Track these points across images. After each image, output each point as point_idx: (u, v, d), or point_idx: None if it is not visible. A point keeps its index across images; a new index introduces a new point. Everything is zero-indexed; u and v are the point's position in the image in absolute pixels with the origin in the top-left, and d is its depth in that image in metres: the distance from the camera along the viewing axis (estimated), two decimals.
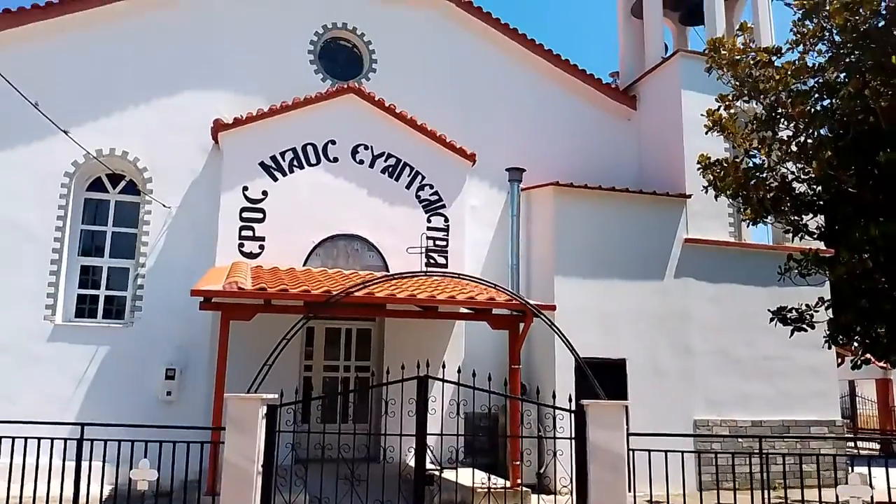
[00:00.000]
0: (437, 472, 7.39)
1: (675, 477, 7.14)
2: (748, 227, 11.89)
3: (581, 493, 6.26)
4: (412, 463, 6.65)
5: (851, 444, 17.26)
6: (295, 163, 11.22)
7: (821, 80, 8.89)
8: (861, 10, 8.05)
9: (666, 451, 6.52)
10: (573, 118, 13.88)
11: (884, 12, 8.19)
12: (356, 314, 10.80)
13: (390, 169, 11.65)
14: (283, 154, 11.16)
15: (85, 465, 6.81)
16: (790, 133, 8.93)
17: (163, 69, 11.70)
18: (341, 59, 12.89)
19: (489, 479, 8.22)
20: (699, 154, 9.99)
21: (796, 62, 8.88)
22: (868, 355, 9.02)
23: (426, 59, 13.08)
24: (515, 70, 13.68)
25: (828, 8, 8.38)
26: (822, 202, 9.27)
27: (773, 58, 8.95)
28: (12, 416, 8.61)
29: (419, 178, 11.75)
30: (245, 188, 10.91)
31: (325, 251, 11.19)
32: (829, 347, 9.50)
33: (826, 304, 9.40)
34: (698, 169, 10.01)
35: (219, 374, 8.37)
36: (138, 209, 11.51)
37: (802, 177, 9.22)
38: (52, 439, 6.87)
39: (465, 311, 10.27)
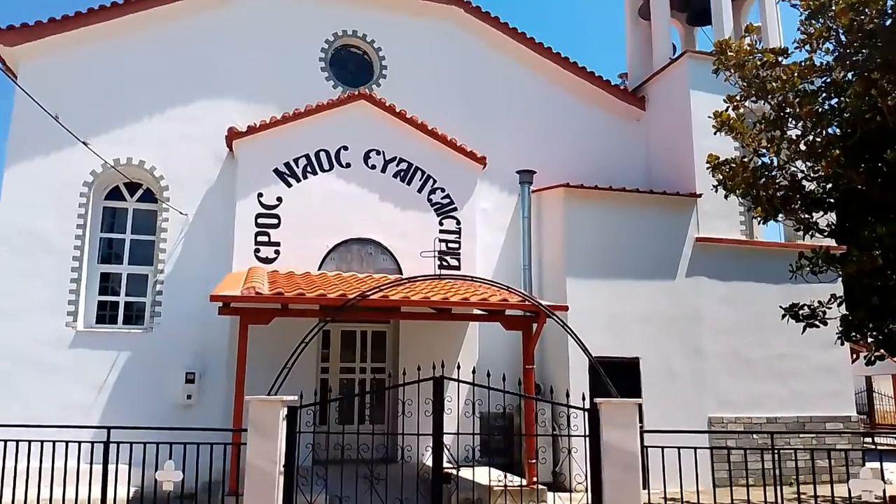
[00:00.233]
0: (453, 471, 7.51)
1: (691, 474, 7.23)
2: (759, 225, 11.95)
3: (596, 491, 6.37)
4: (429, 462, 6.78)
5: (868, 439, 17.23)
6: (308, 169, 11.39)
7: (828, 80, 8.97)
8: (867, 10, 8.13)
9: (679, 448, 6.61)
10: (582, 120, 13.99)
11: (889, 11, 8.27)
12: (371, 317, 10.94)
13: (402, 173, 11.80)
14: (296, 160, 11.33)
15: (111, 467, 6.99)
16: (798, 132, 9.02)
17: (177, 80, 11.92)
18: (352, 66, 13.07)
19: (505, 477, 8.34)
20: (708, 154, 10.10)
21: (804, 62, 8.97)
22: (881, 351, 9.07)
23: (435, 64, 13.23)
24: (524, 73, 13.81)
25: (833, 8, 8.48)
26: (831, 200, 9.34)
27: (780, 58, 9.04)
28: (36, 421, 8.84)
29: (430, 182, 11.88)
30: (260, 195, 11.09)
31: (340, 255, 11.35)
32: (842, 344, 9.56)
33: (838, 301, 9.47)
34: (707, 169, 10.12)
35: (238, 378, 8.53)
36: (155, 217, 11.73)
37: (812, 175, 9.30)
38: (80, 443, 7.06)
39: (479, 312, 10.40)
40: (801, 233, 9.64)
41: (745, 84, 9.21)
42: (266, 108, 11.93)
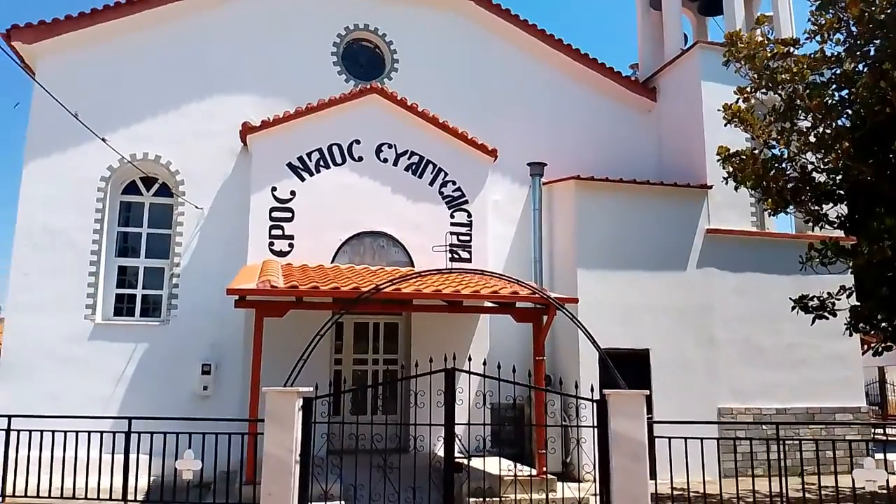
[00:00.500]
0: (465, 461, 7.66)
1: (699, 465, 7.34)
2: (769, 216, 11.97)
3: (604, 480, 6.49)
4: (441, 452, 6.92)
5: (880, 430, 17.20)
6: (321, 163, 11.52)
7: (838, 71, 8.98)
8: (877, 1, 8.13)
9: (685, 438, 6.72)
10: (593, 112, 14.03)
11: None
12: (384, 309, 11.08)
13: (413, 167, 11.90)
14: (309, 154, 11.46)
15: (131, 456, 7.19)
16: (809, 124, 9.04)
17: (192, 75, 12.09)
18: (364, 60, 13.17)
19: (515, 466, 8.47)
20: (718, 146, 10.13)
21: (814, 54, 8.97)
22: (890, 342, 9.11)
23: (446, 58, 13.31)
24: (535, 65, 13.85)
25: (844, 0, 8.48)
26: (841, 192, 9.36)
27: (791, 49, 9.05)
28: (57, 412, 9.08)
29: (442, 174, 11.98)
30: (274, 188, 11.24)
31: (352, 248, 11.49)
32: (850, 335, 9.60)
33: (847, 293, 9.51)
34: (718, 161, 10.15)
35: (254, 369, 8.70)
36: (171, 211, 11.92)
37: (822, 167, 9.32)
38: (102, 433, 7.25)
39: (490, 304, 10.51)
40: (810, 224, 9.67)
41: (755, 75, 9.23)
42: (279, 102, 12.06)
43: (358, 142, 11.72)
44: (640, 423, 6.34)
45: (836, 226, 9.33)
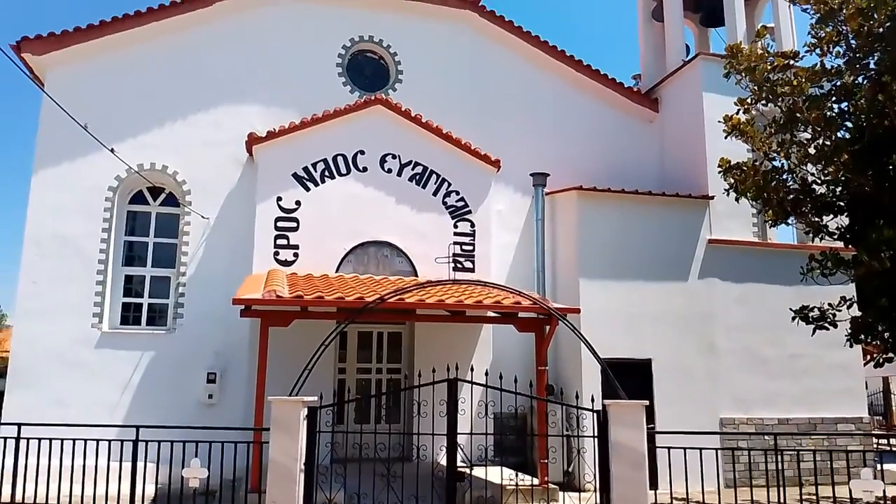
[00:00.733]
0: (467, 470, 7.74)
1: (702, 474, 7.39)
2: (770, 227, 12.04)
3: (604, 490, 6.57)
4: (444, 461, 7.00)
5: (884, 441, 17.20)
6: (326, 173, 11.64)
7: (838, 84, 9.06)
8: (875, 16, 8.22)
9: (683, 449, 6.78)
10: (596, 122, 14.14)
11: None
12: (388, 319, 11.18)
13: (417, 177, 12.02)
14: (314, 165, 11.60)
15: (139, 464, 7.28)
16: (809, 136, 9.11)
17: (199, 86, 12.24)
18: (368, 71, 13.31)
19: (516, 475, 8.55)
20: (720, 157, 10.20)
21: (816, 65, 9.06)
22: (890, 353, 9.15)
23: (450, 69, 13.44)
24: (538, 76, 13.98)
25: (843, 13, 8.57)
26: (841, 203, 9.43)
27: (791, 62, 9.13)
28: (64, 420, 9.19)
29: (445, 185, 12.09)
30: (279, 198, 11.36)
31: (357, 257, 11.60)
32: (851, 346, 9.64)
33: (848, 303, 9.55)
34: (719, 172, 10.22)
35: (259, 378, 8.80)
36: (178, 220, 12.05)
37: (822, 178, 9.39)
38: (110, 441, 7.34)
39: (492, 314, 10.60)
40: (810, 235, 9.74)
41: (755, 87, 9.31)
42: (285, 113, 12.20)
43: (363, 152, 11.84)
44: (640, 432, 6.41)
45: (836, 237, 9.38)
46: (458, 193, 12.12)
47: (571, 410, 9.38)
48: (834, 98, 8.88)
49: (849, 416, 12.63)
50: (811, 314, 9.50)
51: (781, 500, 7.14)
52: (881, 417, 23.65)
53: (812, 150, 9.12)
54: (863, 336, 9.16)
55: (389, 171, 11.93)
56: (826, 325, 9.37)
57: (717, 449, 7.60)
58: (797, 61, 9.39)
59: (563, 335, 11.30)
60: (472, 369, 7.68)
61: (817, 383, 12.59)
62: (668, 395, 11.67)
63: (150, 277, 12.01)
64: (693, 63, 13.68)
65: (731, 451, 8.67)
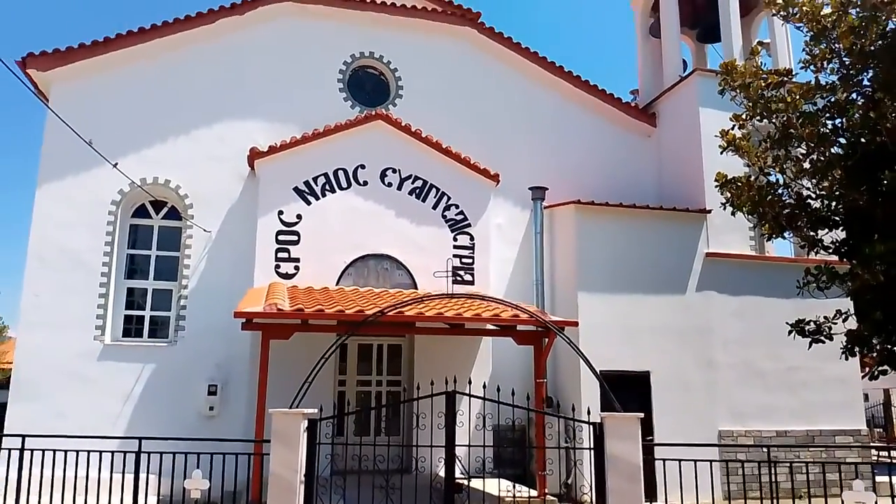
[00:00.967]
0: (465, 482, 7.81)
1: (701, 487, 7.44)
2: (767, 241, 12.14)
3: (601, 502, 6.63)
4: (442, 473, 7.08)
5: (885, 453, 17.21)
6: (327, 187, 11.78)
7: (832, 100, 9.18)
8: (866, 34, 8.35)
9: (678, 461, 6.85)
10: (594, 137, 14.29)
11: (889, 33, 8.48)
12: (388, 331, 11.27)
13: (417, 191, 12.16)
14: (315, 179, 11.73)
15: (139, 476, 7.36)
16: (803, 151, 9.23)
17: (201, 102, 12.39)
18: (369, 87, 13.48)
19: (514, 487, 8.61)
20: (716, 172, 10.31)
21: (810, 82, 9.19)
22: (885, 366, 9.22)
23: (450, 84, 13.61)
24: (537, 91, 14.14)
25: (836, 31, 8.71)
26: (836, 218, 9.52)
27: (785, 79, 9.26)
28: (66, 431, 9.25)
29: (445, 198, 12.23)
30: (280, 212, 11.50)
31: (357, 270, 11.71)
32: (847, 359, 9.71)
33: (844, 317, 9.63)
34: (715, 186, 10.34)
35: (260, 391, 8.89)
36: (180, 233, 12.16)
37: (817, 193, 9.49)
38: (113, 453, 7.42)
39: (491, 327, 10.69)
40: (806, 249, 9.83)
41: (750, 104, 9.43)
42: (287, 127, 12.35)
43: (363, 166, 11.99)
44: (636, 445, 6.49)
45: (830, 251, 9.48)
46: (457, 207, 12.25)
47: (570, 423, 9.46)
48: (827, 114, 9.00)
49: (847, 428, 12.68)
50: (807, 327, 9.56)
51: None
52: (881, 430, 23.64)
53: (807, 165, 9.23)
54: (858, 349, 9.22)
55: (389, 184, 12.06)
56: (822, 338, 9.44)
57: (710, 461, 7.66)
58: (790, 79, 9.53)
59: (562, 348, 11.38)
60: (469, 382, 7.77)
61: (815, 396, 12.66)
62: (667, 407, 11.74)
63: (151, 290, 12.12)
64: (690, 79, 13.85)
65: (725, 462, 8.71)
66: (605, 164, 14.11)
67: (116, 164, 11.07)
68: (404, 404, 11.11)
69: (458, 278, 11.86)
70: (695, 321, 12.41)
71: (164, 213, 12.36)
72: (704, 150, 12.92)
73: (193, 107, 12.36)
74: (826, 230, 9.73)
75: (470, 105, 13.60)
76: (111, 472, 7.37)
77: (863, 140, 8.44)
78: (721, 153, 9.83)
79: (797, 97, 8.74)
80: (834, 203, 9.38)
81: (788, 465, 8.95)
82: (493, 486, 8.25)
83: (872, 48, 8.58)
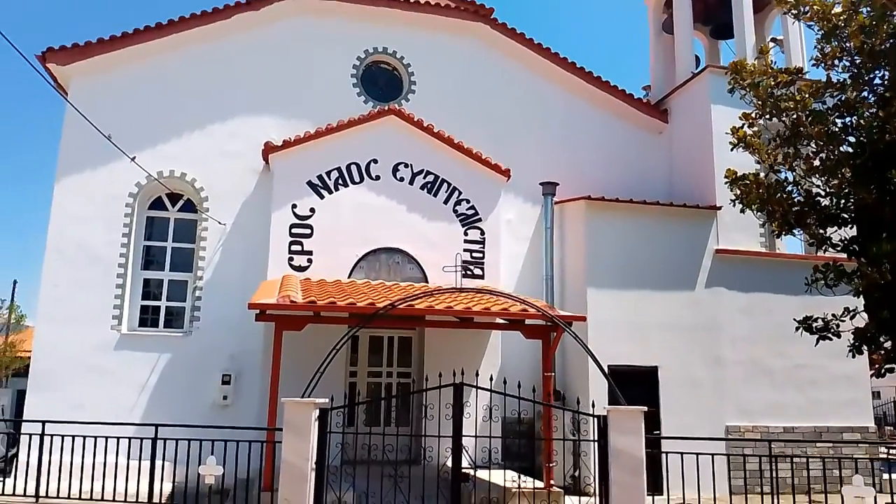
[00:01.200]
0: (471, 472, 7.95)
1: (707, 482, 7.55)
2: (776, 238, 12.20)
3: (605, 493, 6.76)
4: (450, 463, 7.23)
5: (893, 451, 17.19)
6: (340, 181, 11.93)
7: (842, 98, 9.21)
8: (876, 33, 8.38)
9: (681, 454, 6.96)
10: (606, 133, 14.35)
11: None
12: (398, 324, 11.42)
13: (429, 185, 12.28)
14: (328, 173, 11.88)
15: (156, 462, 7.57)
16: (813, 149, 9.27)
17: (218, 96, 12.59)
18: (382, 82, 13.61)
19: (519, 477, 8.76)
20: (726, 169, 10.37)
21: (819, 80, 9.22)
22: (892, 364, 9.26)
23: (462, 79, 13.71)
24: (548, 87, 14.21)
25: (847, 30, 8.73)
26: (845, 216, 9.56)
27: (794, 77, 9.29)
28: (83, 419, 9.49)
29: (456, 193, 12.34)
30: (294, 206, 11.66)
31: (369, 264, 11.86)
32: (853, 356, 9.76)
33: (851, 314, 9.67)
34: (725, 183, 10.39)
35: (273, 381, 9.06)
36: (195, 226, 12.37)
37: (827, 191, 9.53)
38: (130, 439, 7.62)
39: (500, 321, 10.82)
40: (814, 247, 9.88)
41: (759, 103, 9.47)
42: (301, 122, 12.52)
43: (375, 161, 12.12)
44: (639, 438, 6.61)
45: (839, 249, 9.52)
46: (468, 202, 12.36)
47: (576, 416, 9.58)
48: (837, 113, 9.03)
49: (854, 425, 12.71)
50: (814, 325, 9.62)
51: None
52: (892, 427, 23.57)
53: (816, 163, 9.27)
54: (865, 347, 9.27)
55: (401, 179, 12.19)
56: (829, 335, 9.49)
57: (712, 454, 7.75)
58: (801, 76, 9.55)
59: (571, 342, 11.47)
60: (476, 374, 7.90)
61: (823, 393, 12.70)
62: (674, 403, 11.84)
63: (167, 281, 12.33)
64: (701, 76, 13.87)
65: (725, 456, 8.80)
66: (616, 159, 14.17)
67: (134, 157, 11.29)
68: (413, 395, 11.28)
69: (469, 272, 11.99)
70: (703, 317, 12.48)
71: (180, 206, 12.56)
72: (715, 146, 12.95)
73: (209, 101, 12.54)
74: (835, 228, 9.77)
75: (482, 100, 13.70)
76: (128, 458, 7.59)
77: (872, 139, 8.47)
78: (731, 150, 9.89)
79: (806, 96, 8.78)
80: (843, 201, 9.42)
81: (789, 460, 9.00)
82: (499, 476, 8.40)
83: (883, 47, 8.60)
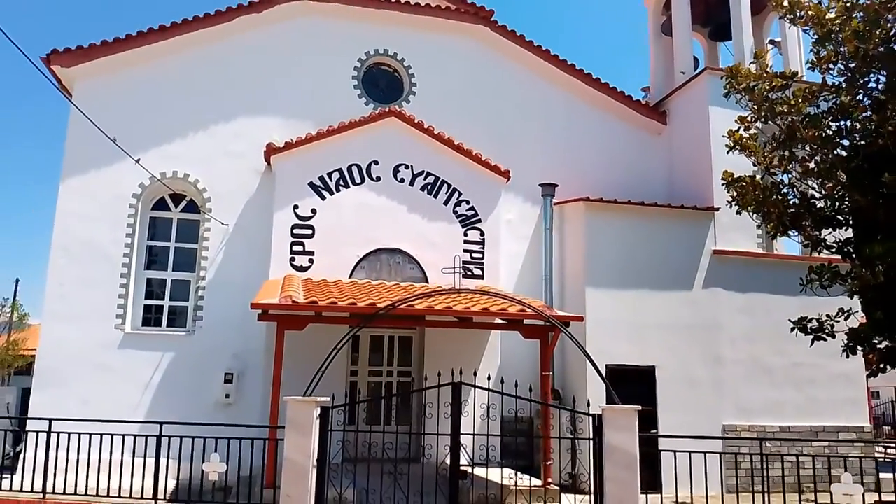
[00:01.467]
0: (469, 469, 8.09)
1: (704, 479, 7.66)
2: (772, 239, 12.30)
3: (600, 490, 6.90)
4: (449, 461, 7.36)
5: (884, 449, 17.30)
6: (341, 182, 12.06)
7: (837, 102, 9.33)
8: (869, 39, 8.49)
9: (674, 451, 7.09)
10: (605, 134, 14.47)
11: (893, 37, 8.61)
12: (399, 324, 11.55)
13: (429, 186, 12.41)
14: (330, 174, 12.02)
15: (157, 459, 7.71)
16: (807, 152, 9.39)
17: (219, 98, 12.73)
18: (383, 84, 13.74)
19: (517, 475, 8.89)
20: (723, 171, 10.49)
21: (812, 85, 9.35)
22: (885, 364, 9.39)
23: (462, 81, 13.84)
24: (548, 89, 14.34)
25: (841, 35, 8.85)
26: (840, 217, 9.68)
27: (789, 82, 9.41)
28: (87, 416, 9.63)
29: (456, 194, 12.47)
30: (296, 206, 11.79)
31: (369, 264, 12.00)
32: (847, 356, 9.89)
33: (846, 315, 9.80)
34: (722, 185, 10.51)
35: (275, 379, 9.19)
36: (198, 226, 12.51)
37: (822, 193, 9.65)
38: (135, 437, 7.77)
39: (499, 321, 10.95)
40: (808, 249, 10.01)
41: (755, 106, 9.60)
42: (302, 124, 12.65)
43: (376, 162, 12.25)
44: (632, 435, 6.75)
45: (834, 250, 9.64)
46: (468, 203, 12.49)
47: (574, 414, 9.70)
48: (831, 117, 9.15)
49: (850, 424, 12.84)
50: (809, 325, 9.75)
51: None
52: (889, 427, 23.69)
53: (812, 166, 9.39)
54: (859, 347, 9.39)
55: (402, 180, 12.32)
56: (824, 335, 9.62)
57: (704, 452, 7.87)
58: (796, 80, 9.67)
59: (569, 342, 11.59)
60: (475, 374, 8.03)
61: (820, 393, 12.83)
62: (672, 402, 11.96)
63: (170, 281, 12.47)
64: (700, 77, 13.99)
65: (721, 455, 8.93)
66: (615, 161, 14.29)
67: (139, 160, 11.43)
68: (413, 394, 11.41)
69: (469, 273, 12.11)
70: (702, 317, 12.60)
71: (183, 207, 12.70)
72: (713, 148, 13.06)
73: (212, 103, 12.68)
74: (830, 230, 9.89)
75: (482, 102, 13.83)
76: (133, 456, 7.72)
77: (865, 143, 8.60)
78: (728, 153, 10.02)
79: (800, 100, 8.90)
80: (837, 204, 9.54)
81: (780, 458, 9.13)
82: (497, 474, 8.53)
83: (877, 52, 8.71)
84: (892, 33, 8.58)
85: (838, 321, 9.75)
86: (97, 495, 8.02)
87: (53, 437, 7.99)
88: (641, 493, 6.84)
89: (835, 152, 9.06)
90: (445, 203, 12.43)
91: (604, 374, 10.88)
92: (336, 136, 12.15)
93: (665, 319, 12.39)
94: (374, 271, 11.96)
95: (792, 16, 9.33)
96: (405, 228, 12.14)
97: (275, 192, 11.90)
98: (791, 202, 9.84)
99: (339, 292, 10.14)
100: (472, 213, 12.50)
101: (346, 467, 7.83)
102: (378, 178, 12.24)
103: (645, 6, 16.38)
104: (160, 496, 8.01)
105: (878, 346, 9.43)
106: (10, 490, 8.66)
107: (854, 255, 9.34)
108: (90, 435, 7.77)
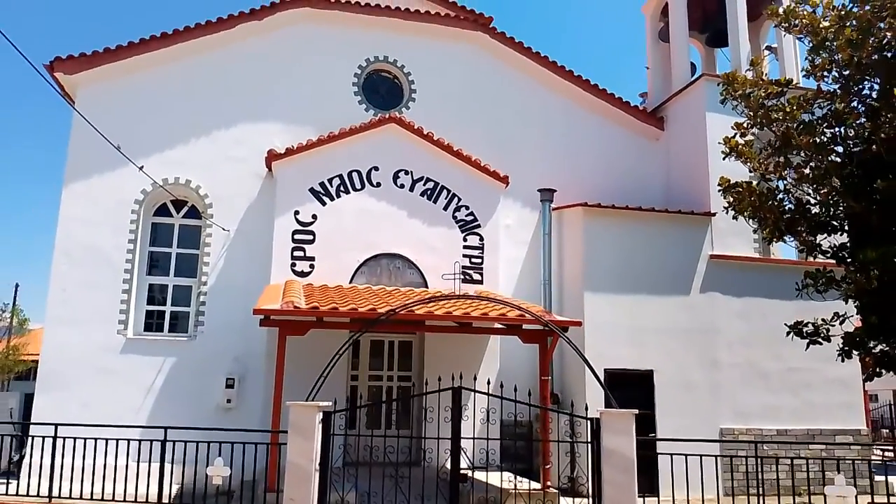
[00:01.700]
0: (470, 473, 8.18)
1: (701, 483, 7.76)
2: (768, 244, 12.44)
3: (599, 493, 7.00)
4: (449, 465, 7.46)
5: (883, 452, 17.40)
6: (342, 188, 12.18)
7: (831, 109, 9.44)
8: (863, 47, 8.61)
9: (671, 455, 7.19)
10: (603, 140, 14.59)
11: (886, 45, 8.73)
12: (399, 329, 11.65)
13: (429, 192, 12.52)
14: (330, 180, 12.13)
15: (159, 464, 7.79)
16: (802, 158, 9.50)
17: (221, 104, 12.84)
18: (383, 90, 13.86)
19: (516, 478, 8.98)
20: (720, 177, 10.61)
21: (807, 92, 9.47)
22: (880, 368, 9.48)
23: (462, 87, 13.96)
24: (547, 95, 14.46)
25: (835, 43, 8.97)
26: (835, 223, 9.80)
27: (785, 89, 9.53)
28: (90, 420, 9.72)
29: (456, 200, 12.59)
30: (296, 212, 11.91)
31: (370, 269, 12.10)
32: (842, 360, 10.00)
33: (841, 319, 9.90)
34: (719, 191, 10.63)
35: (277, 384, 9.28)
36: (200, 232, 12.62)
37: (817, 199, 9.76)
38: (140, 441, 7.86)
39: (499, 326, 11.05)
40: (804, 254, 10.11)
41: (751, 113, 9.71)
42: (304, 130, 12.77)
43: (377, 168, 12.37)
44: (630, 439, 6.85)
45: (829, 255, 9.75)
46: (467, 208, 12.60)
47: (573, 418, 9.81)
48: (826, 124, 9.26)
49: (847, 428, 12.93)
50: (805, 329, 9.85)
51: None
52: (887, 430, 23.77)
53: (807, 172, 9.50)
54: (854, 351, 9.49)
55: (402, 186, 12.43)
56: (819, 340, 9.71)
57: (700, 455, 7.97)
58: (790, 88, 9.78)
59: (568, 347, 11.70)
60: (475, 378, 8.13)
61: (817, 396, 12.92)
62: (670, 406, 12.06)
63: (172, 286, 12.57)
64: (697, 84, 14.11)
65: (717, 458, 9.03)
66: (613, 166, 14.41)
67: (142, 167, 11.53)
68: (413, 399, 11.51)
69: (468, 278, 12.22)
70: (699, 322, 12.70)
71: (185, 212, 12.80)
72: (710, 154, 13.16)
73: (213, 109, 12.79)
74: (825, 235, 10.00)
75: (481, 108, 13.95)
76: (138, 461, 7.81)
77: (859, 149, 8.72)
78: (723, 159, 10.13)
79: (795, 108, 9.01)
80: (832, 209, 9.65)
81: (776, 461, 9.23)
82: (496, 477, 8.63)
83: (872, 59, 8.83)
84: (884, 42, 8.70)
85: (834, 325, 9.85)
86: (102, 499, 8.10)
87: (59, 441, 8.07)
88: (639, 496, 6.95)
89: (829, 159, 9.17)
90: (445, 208, 12.54)
91: (602, 378, 10.97)
92: (337, 142, 12.27)
93: (663, 324, 12.50)
94: (375, 276, 12.07)
95: (787, 24, 9.44)
96: (405, 234, 12.25)
97: (276, 197, 12.02)
98: (786, 208, 9.95)
99: (339, 297, 10.23)
100: (471, 218, 12.61)
101: (347, 471, 7.91)
102: (378, 184, 12.35)
103: (643, 13, 16.51)
104: (164, 500, 8.10)
105: (874, 350, 9.54)
106: (17, 495, 8.75)
107: (849, 260, 9.45)
108: (95, 440, 7.85)
